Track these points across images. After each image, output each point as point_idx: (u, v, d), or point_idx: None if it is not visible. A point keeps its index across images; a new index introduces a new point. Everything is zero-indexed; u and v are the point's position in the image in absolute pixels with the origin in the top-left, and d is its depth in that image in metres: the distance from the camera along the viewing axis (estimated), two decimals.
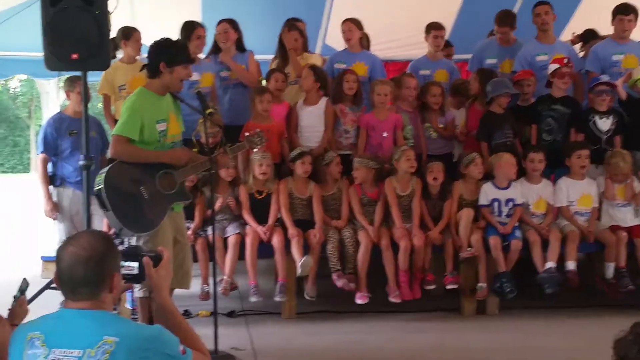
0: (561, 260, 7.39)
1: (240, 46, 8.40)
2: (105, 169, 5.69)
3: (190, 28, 8.01)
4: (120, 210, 5.58)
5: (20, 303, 3.89)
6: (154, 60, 5.80)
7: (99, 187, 5.56)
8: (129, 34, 8.16)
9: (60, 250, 2.98)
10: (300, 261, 7.07)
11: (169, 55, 5.75)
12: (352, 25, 8.47)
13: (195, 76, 7.87)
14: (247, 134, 6.52)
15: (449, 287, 7.43)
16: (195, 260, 7.19)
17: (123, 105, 5.92)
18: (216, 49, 8.39)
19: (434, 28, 8.78)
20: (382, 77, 8.49)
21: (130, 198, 5.64)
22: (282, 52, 8.51)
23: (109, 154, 7.13)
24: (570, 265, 7.36)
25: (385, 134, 7.94)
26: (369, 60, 8.58)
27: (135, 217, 5.65)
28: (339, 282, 7.27)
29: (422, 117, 8.31)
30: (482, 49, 9.03)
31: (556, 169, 7.99)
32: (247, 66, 8.37)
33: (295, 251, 7.19)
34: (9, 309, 3.82)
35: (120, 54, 8.30)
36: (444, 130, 8.30)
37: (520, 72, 8.39)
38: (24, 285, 4.04)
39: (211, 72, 8.23)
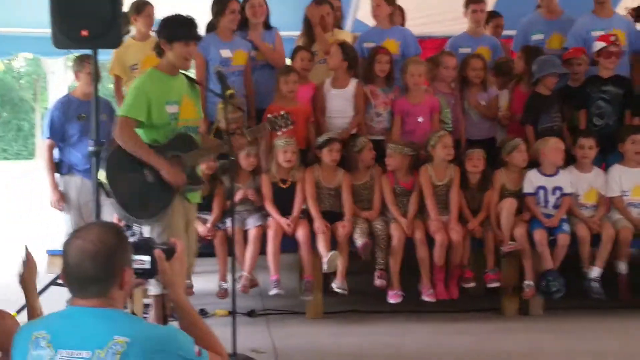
0: (613, 257, 7.38)
1: (266, 23, 8.42)
2: (108, 153, 5.74)
3: (223, 1, 8.03)
4: (124, 196, 5.63)
5: (28, 267, 3.89)
6: (158, 37, 5.90)
7: (102, 173, 5.64)
8: (141, 7, 8.15)
9: (67, 243, 3.00)
10: (327, 256, 7.11)
11: (168, 31, 5.82)
12: (382, 0, 8.48)
13: (226, 53, 7.92)
14: (269, 115, 6.55)
15: (489, 285, 7.42)
16: (213, 254, 7.26)
17: (130, 85, 5.98)
18: (241, 25, 8.34)
19: (472, 2, 8.76)
20: (416, 54, 8.50)
21: (135, 183, 5.67)
22: (309, 29, 8.51)
23: None
24: (622, 266, 7.36)
25: (420, 119, 7.93)
26: (400, 36, 8.55)
27: (140, 203, 5.70)
28: (376, 282, 7.27)
29: (462, 94, 8.32)
30: (527, 24, 8.95)
31: (608, 155, 7.95)
32: (274, 45, 8.40)
33: (322, 247, 7.20)
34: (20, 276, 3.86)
35: (133, 30, 8.32)
36: (486, 108, 8.28)
37: (570, 50, 8.34)
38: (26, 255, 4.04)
39: (244, 49, 8.16)
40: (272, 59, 8.31)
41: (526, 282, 7.34)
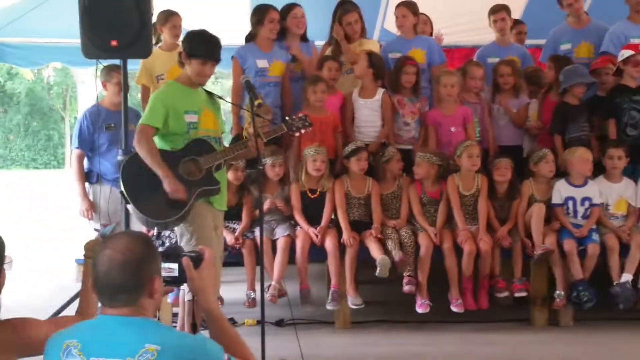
0: None
1: (303, 35, 8.44)
2: (125, 159, 5.84)
3: (263, 11, 8.05)
4: (140, 200, 5.69)
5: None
6: (182, 50, 5.95)
7: (120, 179, 5.73)
8: (167, 18, 8.21)
9: (97, 253, 3.03)
10: (378, 260, 7.09)
11: (189, 46, 5.89)
12: (407, 10, 8.44)
13: (263, 63, 7.94)
14: (287, 117, 6.55)
15: (517, 294, 7.37)
16: (241, 264, 7.27)
17: (150, 96, 6.04)
18: (279, 36, 8.30)
19: (492, 12, 8.80)
20: (440, 62, 8.52)
21: (150, 187, 5.70)
22: (336, 39, 8.50)
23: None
24: None
25: (453, 129, 7.92)
26: (425, 45, 8.53)
27: (157, 206, 5.74)
28: (405, 288, 7.25)
29: (493, 100, 8.32)
30: (556, 34, 8.86)
31: (638, 166, 7.90)
32: (311, 58, 8.40)
33: (349, 261, 7.23)
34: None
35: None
36: (516, 115, 8.23)
37: (598, 60, 8.29)
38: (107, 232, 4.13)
39: (282, 60, 8.16)
40: (310, 72, 8.28)
41: (557, 292, 7.29)
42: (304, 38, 8.42)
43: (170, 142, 5.87)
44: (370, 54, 8.03)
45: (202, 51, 5.84)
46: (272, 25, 8.04)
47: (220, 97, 6.15)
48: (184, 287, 3.98)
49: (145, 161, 5.71)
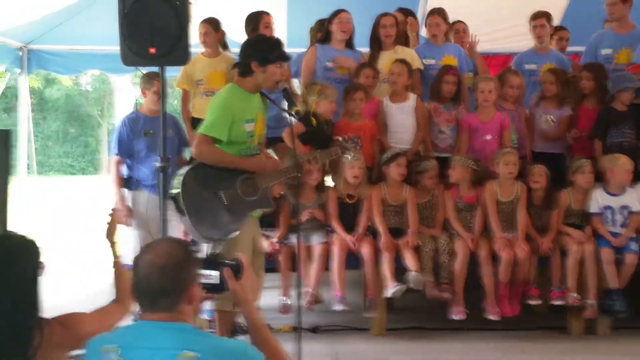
0: None
1: (350, 42, 8.44)
2: (184, 171, 5.76)
3: (254, 18, 8.20)
4: (197, 215, 5.64)
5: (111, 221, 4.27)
6: (246, 58, 5.88)
7: (177, 190, 5.65)
8: (216, 26, 8.32)
9: (137, 258, 3.07)
10: (410, 277, 7.08)
11: (262, 53, 5.83)
12: (440, 18, 8.52)
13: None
14: (339, 138, 6.55)
15: (555, 302, 7.33)
16: (276, 270, 7.28)
17: (212, 102, 5.95)
18: (323, 39, 8.39)
19: (532, 18, 8.78)
20: (467, 69, 8.58)
21: (208, 203, 5.70)
22: (373, 46, 8.47)
23: (188, 153, 7.26)
24: None
25: (488, 137, 7.87)
26: (456, 53, 8.59)
27: (212, 223, 5.70)
28: (432, 292, 7.24)
29: (538, 105, 8.31)
30: (597, 39, 8.80)
31: None
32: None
33: (387, 268, 7.20)
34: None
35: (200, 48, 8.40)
36: (555, 126, 8.19)
37: (630, 67, 8.22)
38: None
39: (352, 60, 8.31)
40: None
41: (589, 301, 7.25)
42: (350, 45, 8.41)
43: (227, 151, 5.80)
44: (406, 63, 8.03)
45: (277, 54, 5.85)
46: (267, 30, 8.10)
47: (270, 99, 6.12)
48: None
49: (221, 164, 5.73)
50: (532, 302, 7.35)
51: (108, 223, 4.28)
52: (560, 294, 7.30)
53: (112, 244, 4.21)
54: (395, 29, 8.39)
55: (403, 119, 8.00)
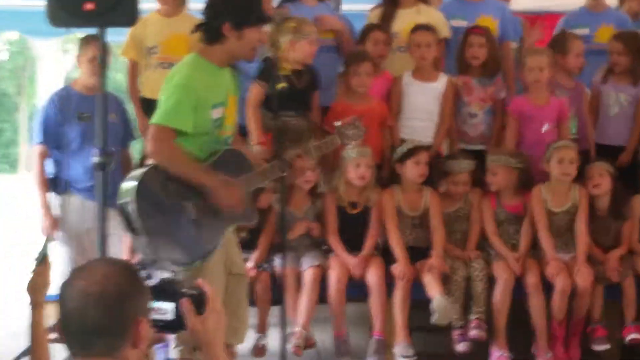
0: None
1: None
2: (138, 173, 5.65)
3: None
4: (157, 234, 5.54)
5: (40, 272, 4.06)
6: (216, 19, 5.76)
7: (126, 199, 5.53)
8: None
9: (65, 285, 3.01)
10: (434, 302, 7.07)
11: (237, 13, 5.73)
12: None
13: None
14: (337, 123, 6.49)
15: (629, 339, 7.32)
16: (253, 302, 7.24)
17: (168, 79, 5.81)
18: None
19: None
20: (515, 36, 8.62)
21: (171, 217, 5.60)
22: (388, 1, 8.45)
23: (138, 145, 7.24)
24: None
25: (545, 127, 7.86)
26: (498, 12, 8.54)
27: (176, 243, 5.61)
28: (471, 332, 7.24)
29: (605, 81, 8.28)
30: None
31: None
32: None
33: (399, 311, 7.21)
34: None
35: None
36: (630, 107, 8.18)
37: None
38: (44, 250, 4.21)
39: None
40: (348, 41, 8.30)
41: None
42: None
43: (188, 147, 5.69)
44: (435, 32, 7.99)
45: (256, 15, 5.78)
46: None
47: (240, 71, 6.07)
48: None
49: (178, 174, 5.59)
50: (598, 348, 7.34)
51: (33, 274, 4.18)
52: (635, 329, 7.29)
53: (35, 305, 4.13)
54: None
55: (425, 102, 8.00)
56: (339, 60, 8.23)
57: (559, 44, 8.22)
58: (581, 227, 7.47)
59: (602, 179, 7.54)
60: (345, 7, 8.75)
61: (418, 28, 7.98)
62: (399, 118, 8.05)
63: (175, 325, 3.30)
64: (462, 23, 8.40)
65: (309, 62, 7.61)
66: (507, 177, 7.56)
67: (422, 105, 8.01)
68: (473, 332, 7.24)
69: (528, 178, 7.65)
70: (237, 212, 5.73)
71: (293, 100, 7.17)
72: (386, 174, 7.81)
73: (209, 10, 5.82)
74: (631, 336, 7.30)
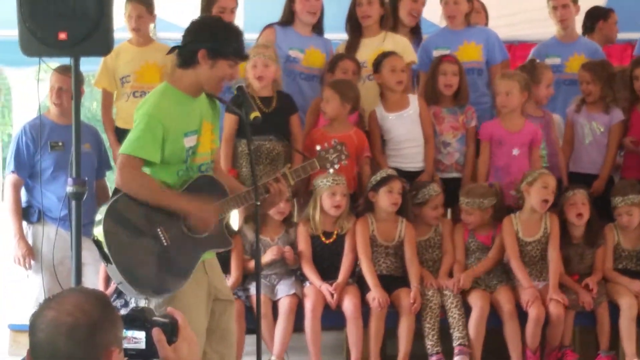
0: None
1: (318, 25, 8.43)
2: (108, 204, 5.58)
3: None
4: (127, 263, 5.48)
5: None
6: (193, 44, 5.65)
7: (98, 230, 5.49)
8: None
9: (36, 315, 2.98)
10: None
11: (216, 42, 5.63)
12: None
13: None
14: (318, 148, 6.42)
15: None
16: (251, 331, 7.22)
17: (137, 110, 5.71)
18: (286, 21, 8.37)
19: None
20: (502, 58, 8.58)
21: (143, 246, 5.52)
22: (353, 31, 8.44)
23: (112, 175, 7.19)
24: None
25: (516, 151, 7.88)
26: (481, 38, 8.54)
27: (151, 273, 5.55)
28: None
29: (578, 110, 8.27)
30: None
31: None
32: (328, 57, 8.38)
33: (373, 342, 7.21)
34: None
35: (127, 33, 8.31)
36: (603, 136, 8.20)
37: None
38: None
39: (321, 50, 8.30)
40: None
41: None
42: (318, 29, 8.42)
43: (158, 174, 5.62)
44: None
45: (233, 49, 5.64)
46: (224, 16, 7.92)
47: (222, 101, 5.99)
48: None
49: (150, 202, 5.51)
50: None
51: None
52: (608, 358, 7.30)
53: None
54: (376, 6, 8.32)
55: (407, 132, 8.00)
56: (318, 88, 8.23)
57: (529, 74, 8.22)
58: (553, 255, 7.49)
59: (584, 207, 7.56)
60: (332, 36, 8.69)
61: (391, 56, 7.96)
62: (385, 149, 8.05)
63: (147, 354, 3.27)
64: (445, 52, 8.38)
65: (275, 87, 7.68)
66: (482, 216, 7.61)
67: (406, 136, 8.01)
68: (457, 359, 7.26)
69: (501, 209, 7.68)
70: (213, 236, 5.68)
71: (265, 124, 7.15)
72: (363, 204, 7.74)
73: (189, 33, 5.73)
74: None
